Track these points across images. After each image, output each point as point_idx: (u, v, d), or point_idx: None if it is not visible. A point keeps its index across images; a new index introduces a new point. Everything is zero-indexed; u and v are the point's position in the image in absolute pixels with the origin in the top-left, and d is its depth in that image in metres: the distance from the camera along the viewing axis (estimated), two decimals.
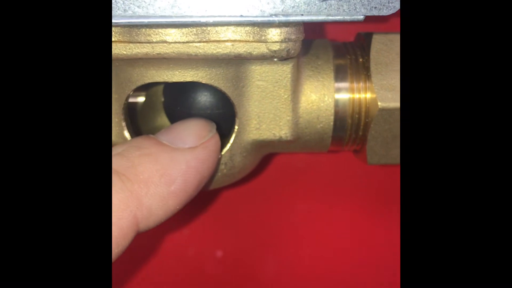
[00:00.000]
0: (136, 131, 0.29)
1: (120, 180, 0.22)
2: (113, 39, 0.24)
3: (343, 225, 0.40)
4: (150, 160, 0.23)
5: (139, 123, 0.31)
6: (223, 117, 0.29)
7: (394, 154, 0.29)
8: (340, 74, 0.28)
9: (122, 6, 0.22)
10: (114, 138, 0.28)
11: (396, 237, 0.39)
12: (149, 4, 0.22)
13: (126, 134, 0.28)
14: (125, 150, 0.24)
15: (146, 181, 0.23)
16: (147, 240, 0.40)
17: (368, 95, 0.28)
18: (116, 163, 0.23)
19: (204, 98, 0.29)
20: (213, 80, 0.26)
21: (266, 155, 0.33)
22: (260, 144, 0.29)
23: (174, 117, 0.31)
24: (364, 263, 0.40)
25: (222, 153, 0.28)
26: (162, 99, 0.31)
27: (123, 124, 0.28)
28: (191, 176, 0.24)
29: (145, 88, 0.32)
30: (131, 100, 0.30)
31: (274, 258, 0.40)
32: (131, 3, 0.22)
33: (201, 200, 0.39)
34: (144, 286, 0.39)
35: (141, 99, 0.32)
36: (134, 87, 0.26)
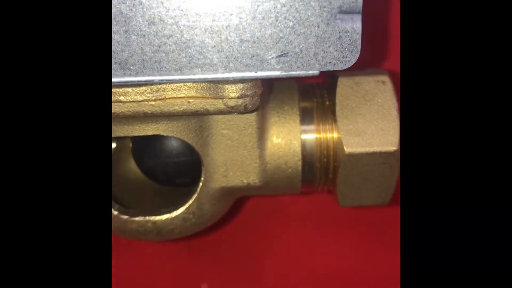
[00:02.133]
0: None
1: None
2: None
3: (327, 257, 0.39)
4: None
5: (115, 168, 0.31)
6: (191, 164, 0.29)
7: (366, 196, 0.29)
8: (306, 118, 0.28)
9: None
10: None
11: (385, 265, 0.38)
12: None
13: None
14: None
15: None
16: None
17: (336, 138, 0.28)
18: None
19: (170, 147, 0.29)
20: (175, 133, 0.26)
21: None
22: (228, 191, 0.28)
23: (142, 163, 0.31)
24: None
25: (189, 203, 0.28)
26: (130, 145, 0.31)
27: None
28: None
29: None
30: None
31: None
32: None
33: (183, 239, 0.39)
34: None
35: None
36: None
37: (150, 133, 0.26)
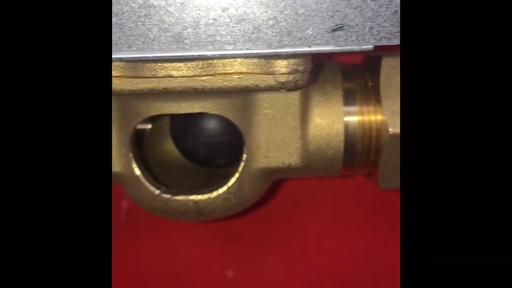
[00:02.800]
0: (143, 160, 0.29)
1: None
2: (118, 74, 0.23)
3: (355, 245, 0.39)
4: None
5: (146, 151, 0.31)
6: (231, 145, 0.29)
7: None
8: (349, 99, 0.28)
9: (127, 41, 0.22)
10: (121, 169, 0.28)
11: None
12: (153, 40, 0.22)
13: (134, 165, 0.27)
14: None
15: None
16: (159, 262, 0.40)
17: (379, 120, 0.28)
18: None
19: (211, 127, 0.29)
20: (220, 111, 0.26)
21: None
22: (269, 172, 0.28)
23: (181, 145, 0.31)
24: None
25: (230, 183, 0.28)
26: (169, 126, 0.31)
27: (131, 155, 0.27)
28: None
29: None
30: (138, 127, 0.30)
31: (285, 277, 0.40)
32: (135, 39, 0.22)
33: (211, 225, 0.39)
34: None
35: (147, 126, 0.32)
36: (140, 119, 0.26)
37: (196, 110, 0.26)
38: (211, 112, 0.26)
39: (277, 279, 0.40)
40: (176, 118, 0.30)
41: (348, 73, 0.29)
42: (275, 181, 0.34)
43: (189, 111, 0.26)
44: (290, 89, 0.24)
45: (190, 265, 0.40)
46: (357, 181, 0.37)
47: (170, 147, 0.32)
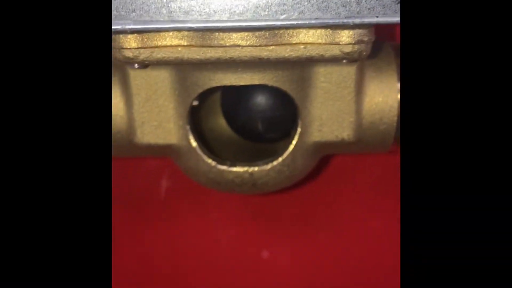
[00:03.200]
0: (198, 133, 0.30)
1: None
2: (185, 44, 0.24)
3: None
4: None
5: (201, 125, 0.32)
6: (282, 120, 0.29)
7: None
8: None
9: (198, 9, 0.22)
10: (178, 141, 0.28)
11: None
12: (223, 9, 0.22)
13: (191, 137, 0.28)
14: None
15: None
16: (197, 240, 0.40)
17: None
18: None
19: (263, 101, 0.29)
20: (279, 83, 0.26)
21: None
22: (321, 146, 0.29)
23: (233, 120, 0.31)
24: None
25: (285, 156, 0.28)
26: (220, 102, 0.32)
27: (187, 127, 0.28)
28: None
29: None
30: None
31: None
32: (205, 7, 0.22)
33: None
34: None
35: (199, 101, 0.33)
36: (201, 90, 0.27)
37: (256, 82, 0.26)
38: (270, 84, 0.26)
39: (311, 261, 0.40)
40: (228, 94, 0.31)
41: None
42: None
43: (249, 83, 0.26)
44: (354, 60, 0.24)
45: (226, 245, 0.40)
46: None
47: (217, 124, 0.33)
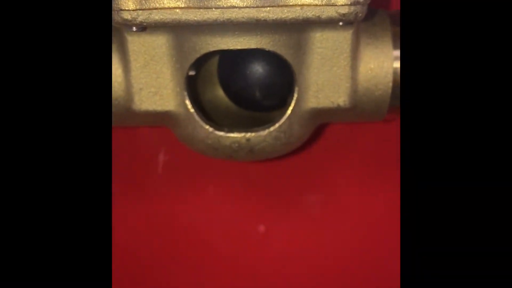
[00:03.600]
0: (195, 100, 0.30)
1: None
2: (183, 5, 0.24)
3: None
4: None
5: (199, 96, 0.32)
6: (279, 87, 0.30)
7: None
8: (398, 41, 0.29)
9: None
10: (175, 107, 0.29)
11: None
12: None
13: (188, 102, 0.28)
14: None
15: None
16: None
17: None
18: None
19: (259, 68, 0.29)
20: (276, 47, 0.26)
21: None
22: (317, 113, 0.29)
23: (230, 89, 0.31)
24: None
25: (281, 122, 0.28)
26: (217, 71, 0.32)
27: (185, 93, 0.28)
28: None
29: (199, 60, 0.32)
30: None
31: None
32: None
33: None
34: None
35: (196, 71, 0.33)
36: (198, 55, 0.27)
37: (253, 46, 0.26)
38: (267, 48, 0.26)
39: (307, 235, 0.41)
40: (225, 62, 0.31)
41: (396, 17, 0.29)
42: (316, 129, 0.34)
43: (246, 47, 0.26)
44: (349, 22, 0.25)
45: (223, 219, 0.41)
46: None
47: (215, 95, 0.33)
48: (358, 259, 0.40)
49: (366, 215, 0.40)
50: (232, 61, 0.30)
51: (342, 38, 0.27)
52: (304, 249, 0.40)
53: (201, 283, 0.40)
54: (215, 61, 0.32)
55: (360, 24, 0.28)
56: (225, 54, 0.30)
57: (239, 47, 0.26)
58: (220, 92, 0.33)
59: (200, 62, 0.32)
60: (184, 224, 0.41)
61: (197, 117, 0.28)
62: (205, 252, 0.40)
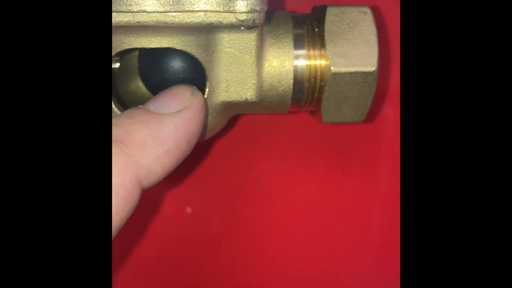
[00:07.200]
0: (115, 95, 0.32)
1: (117, 147, 0.25)
2: None
3: (304, 182, 0.44)
4: (142, 126, 0.26)
5: (116, 87, 0.34)
6: (194, 81, 0.32)
7: (345, 113, 0.33)
8: (298, 42, 0.32)
9: None
10: None
11: (358, 191, 0.42)
12: None
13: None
14: (118, 120, 0.27)
15: (141, 144, 0.26)
16: None
17: (323, 62, 0.32)
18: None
19: (176, 64, 0.32)
20: (186, 47, 0.29)
21: (233, 117, 0.37)
22: (228, 105, 0.32)
23: (149, 81, 0.34)
24: (323, 221, 0.44)
25: None
26: (137, 65, 0.34)
27: None
28: (181, 135, 0.27)
29: (121, 54, 0.34)
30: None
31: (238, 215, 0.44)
32: None
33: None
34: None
35: (116, 64, 0.35)
36: (114, 53, 0.29)
37: (165, 45, 0.29)
38: (178, 48, 0.29)
39: (233, 213, 0.44)
40: (144, 57, 0.33)
41: (298, 21, 0.33)
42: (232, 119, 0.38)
43: (158, 46, 0.29)
44: (249, 27, 0.28)
45: (151, 204, 0.43)
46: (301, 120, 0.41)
47: (137, 86, 0.35)
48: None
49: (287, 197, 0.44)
50: (152, 56, 0.32)
51: (247, 39, 0.30)
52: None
53: None
54: (136, 55, 0.35)
55: (264, 27, 0.32)
56: (144, 50, 0.33)
57: (151, 46, 0.29)
58: (140, 84, 0.35)
59: (121, 56, 0.35)
60: None
61: (115, 108, 0.31)
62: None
